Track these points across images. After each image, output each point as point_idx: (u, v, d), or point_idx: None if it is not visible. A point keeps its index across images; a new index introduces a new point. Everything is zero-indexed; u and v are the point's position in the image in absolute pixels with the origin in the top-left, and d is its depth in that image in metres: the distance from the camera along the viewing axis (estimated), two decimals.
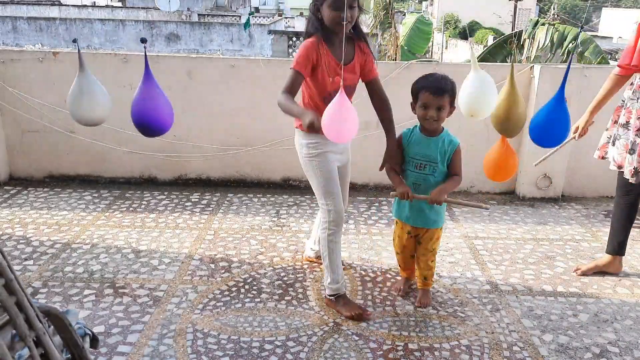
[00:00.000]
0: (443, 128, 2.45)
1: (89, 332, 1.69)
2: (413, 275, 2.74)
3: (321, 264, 2.76)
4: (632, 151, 2.64)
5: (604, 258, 2.95)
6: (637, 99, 2.65)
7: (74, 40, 2.09)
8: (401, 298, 2.69)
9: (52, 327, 1.46)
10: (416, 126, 2.48)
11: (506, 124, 2.29)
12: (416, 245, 2.61)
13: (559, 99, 2.18)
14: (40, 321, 1.32)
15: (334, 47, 2.37)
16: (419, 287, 2.67)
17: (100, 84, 2.01)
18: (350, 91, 2.44)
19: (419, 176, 2.45)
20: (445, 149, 2.42)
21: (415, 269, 2.70)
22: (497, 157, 2.47)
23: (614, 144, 2.76)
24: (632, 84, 2.68)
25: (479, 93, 2.21)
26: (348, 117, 2.06)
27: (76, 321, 1.63)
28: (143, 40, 1.92)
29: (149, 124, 2.05)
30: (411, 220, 2.54)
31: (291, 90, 2.28)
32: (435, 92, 2.30)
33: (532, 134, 2.35)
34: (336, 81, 2.35)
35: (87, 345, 1.65)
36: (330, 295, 2.54)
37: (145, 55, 1.99)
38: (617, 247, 2.89)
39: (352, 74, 2.44)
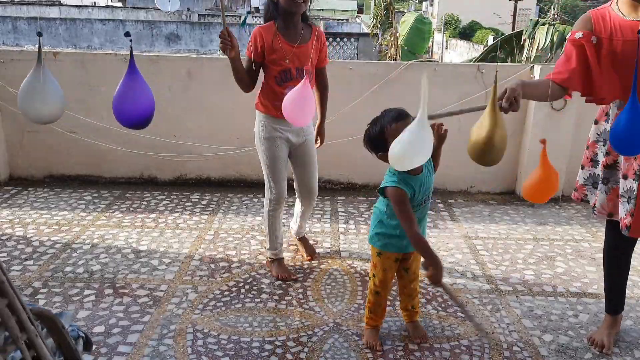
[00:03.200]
0: None
1: (83, 335, 1.68)
2: (384, 317, 2.39)
3: (306, 252, 3.09)
4: (626, 198, 2.14)
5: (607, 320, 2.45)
6: None
7: (39, 34, 2.05)
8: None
9: (45, 329, 1.45)
10: (396, 174, 2.15)
11: (488, 154, 1.88)
12: (402, 274, 2.34)
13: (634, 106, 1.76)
14: (33, 323, 1.30)
15: (288, 31, 2.57)
16: (412, 319, 2.40)
17: (55, 81, 1.94)
18: (302, 74, 2.58)
19: (423, 210, 2.22)
20: (429, 167, 2.24)
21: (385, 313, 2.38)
22: (540, 178, 2.01)
23: (596, 187, 2.28)
24: (607, 114, 2.21)
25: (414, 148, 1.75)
26: (307, 100, 2.20)
27: (70, 323, 1.62)
28: (127, 34, 1.89)
29: (127, 116, 1.94)
30: (409, 246, 2.19)
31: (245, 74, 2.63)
32: (400, 116, 2.09)
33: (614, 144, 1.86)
34: (287, 65, 2.57)
35: (80, 347, 1.64)
36: (269, 258, 2.92)
37: (131, 50, 1.94)
38: (621, 303, 2.43)
39: (304, 56, 2.59)
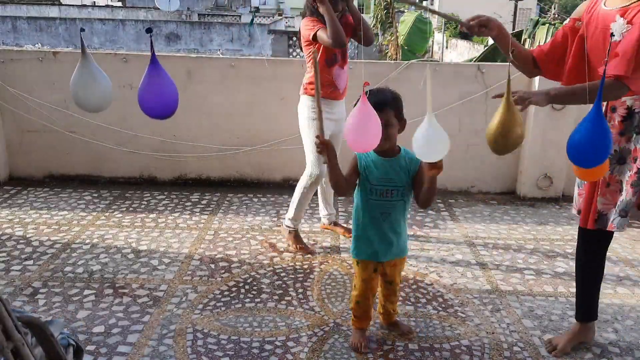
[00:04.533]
0: (400, 148, 2.17)
1: (73, 343, 1.66)
2: (370, 321, 2.37)
3: (342, 231, 3.41)
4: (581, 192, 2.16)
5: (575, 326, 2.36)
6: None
7: (82, 30, 2.11)
8: (401, 300, 2.68)
9: (33, 337, 1.43)
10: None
11: (503, 144, 1.76)
12: (384, 284, 2.31)
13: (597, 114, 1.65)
14: (20, 331, 1.28)
15: (334, 6, 2.85)
16: (390, 321, 2.39)
17: (101, 70, 2.05)
18: (344, 56, 3.11)
19: (386, 205, 2.15)
20: (409, 168, 2.13)
21: (372, 312, 2.35)
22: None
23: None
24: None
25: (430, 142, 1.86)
26: (371, 123, 1.94)
27: (60, 331, 1.59)
28: (149, 30, 1.97)
29: (153, 106, 2.07)
30: (381, 254, 2.20)
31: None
32: (374, 107, 1.91)
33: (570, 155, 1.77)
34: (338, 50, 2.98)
35: (70, 356, 1.61)
36: (287, 227, 3.17)
37: (152, 43, 2.03)
38: (588, 311, 2.32)
39: (347, 25, 3.00)
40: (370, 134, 2.01)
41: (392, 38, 13.38)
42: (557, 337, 2.35)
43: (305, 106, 3.07)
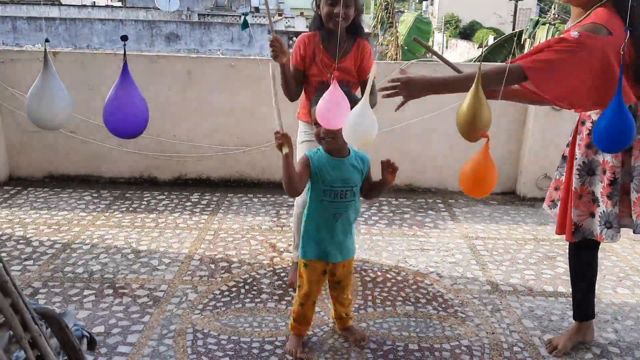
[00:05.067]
0: (349, 148, 2.15)
1: (87, 334, 1.68)
2: (309, 326, 2.33)
3: None
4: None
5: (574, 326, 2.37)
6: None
7: (46, 40, 2.03)
8: (401, 300, 2.68)
9: (49, 329, 1.45)
10: (318, 149, 2.14)
11: (469, 127, 1.77)
12: (333, 285, 2.27)
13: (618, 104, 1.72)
14: (36, 323, 1.30)
15: (331, 42, 2.48)
16: (344, 326, 2.34)
17: (62, 86, 1.90)
18: (342, 86, 2.45)
19: (340, 206, 2.11)
20: (362, 168, 2.15)
21: (310, 323, 2.33)
22: (478, 169, 1.85)
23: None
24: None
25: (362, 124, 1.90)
26: (339, 105, 2.04)
27: (73, 323, 1.62)
28: (124, 38, 1.85)
29: (117, 127, 1.88)
30: (331, 255, 2.16)
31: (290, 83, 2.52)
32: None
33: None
34: (330, 77, 2.38)
35: (84, 347, 1.64)
36: (296, 259, 2.67)
37: (125, 53, 1.91)
38: (586, 311, 2.33)
39: (343, 71, 2.47)
40: (340, 113, 2.06)
41: (392, 38, 13.38)
42: (557, 337, 2.35)
43: (297, 131, 2.74)
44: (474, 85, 1.71)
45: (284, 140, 1.97)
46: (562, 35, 1.88)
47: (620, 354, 2.30)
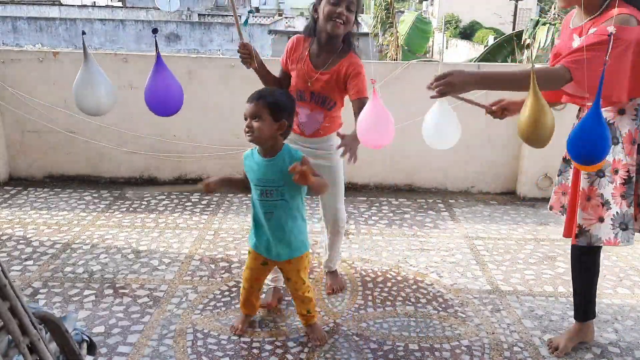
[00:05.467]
0: (282, 146, 2.14)
1: (87, 339, 1.67)
2: (255, 311, 2.43)
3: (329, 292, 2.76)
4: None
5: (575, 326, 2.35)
6: None
7: (83, 33, 2.17)
8: (401, 300, 2.68)
9: (48, 333, 1.44)
10: (255, 148, 2.19)
11: (534, 135, 1.79)
12: (285, 281, 2.35)
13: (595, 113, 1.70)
14: (35, 327, 1.29)
15: (320, 51, 2.36)
16: (308, 323, 2.35)
17: (104, 74, 2.07)
18: (319, 100, 2.39)
19: (268, 205, 2.14)
20: (281, 167, 2.10)
21: (257, 304, 2.42)
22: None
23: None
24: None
25: (442, 126, 1.97)
26: (381, 122, 2.03)
27: (73, 327, 1.60)
28: (155, 31, 2.01)
29: (159, 103, 2.17)
30: (273, 252, 2.21)
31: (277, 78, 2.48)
32: (250, 99, 2.08)
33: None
34: (307, 86, 2.37)
35: (84, 351, 1.62)
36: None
37: (156, 43, 2.08)
38: (586, 311, 2.32)
39: (322, 82, 2.35)
40: (382, 129, 2.07)
41: (392, 38, 13.37)
42: (557, 337, 2.35)
43: None
44: (531, 90, 1.68)
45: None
46: (595, 33, 1.83)
47: (620, 354, 2.30)
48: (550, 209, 2.29)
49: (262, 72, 2.39)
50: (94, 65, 2.05)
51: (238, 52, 2.30)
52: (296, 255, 2.23)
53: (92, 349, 1.71)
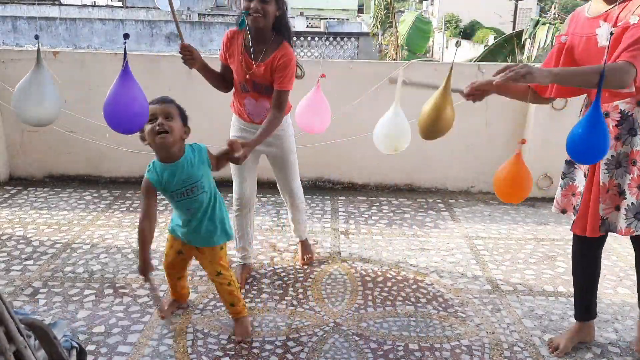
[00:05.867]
0: (184, 145, 2.21)
1: (76, 345, 1.66)
2: (184, 299, 2.54)
3: (303, 263, 3.02)
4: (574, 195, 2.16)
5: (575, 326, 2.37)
6: None
7: (36, 37, 2.09)
8: (401, 300, 2.68)
9: (36, 340, 1.42)
10: (153, 162, 2.19)
11: (432, 128, 2.00)
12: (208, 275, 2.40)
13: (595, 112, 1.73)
14: (22, 334, 1.27)
15: (255, 42, 2.41)
16: (235, 317, 2.38)
17: (52, 83, 1.93)
18: (261, 89, 2.49)
19: (190, 202, 2.18)
20: (200, 158, 2.22)
21: (185, 292, 2.53)
22: (512, 175, 2.00)
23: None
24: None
25: (397, 130, 2.16)
26: (320, 106, 2.48)
27: (63, 333, 1.59)
28: (126, 36, 1.89)
29: (115, 121, 1.93)
30: (188, 236, 2.26)
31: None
32: (160, 101, 2.11)
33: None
34: (247, 77, 2.46)
35: (73, 358, 1.61)
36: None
37: (125, 50, 1.94)
38: (587, 311, 2.33)
39: (261, 72, 2.43)
40: (322, 116, 2.50)
41: (392, 38, 13.37)
42: (557, 337, 2.35)
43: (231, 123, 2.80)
44: (443, 85, 1.76)
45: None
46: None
47: (620, 354, 2.30)
48: (564, 212, 2.24)
49: (204, 71, 2.51)
50: (43, 73, 1.90)
51: (179, 53, 2.36)
52: (212, 245, 2.28)
53: (82, 355, 1.69)
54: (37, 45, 1.89)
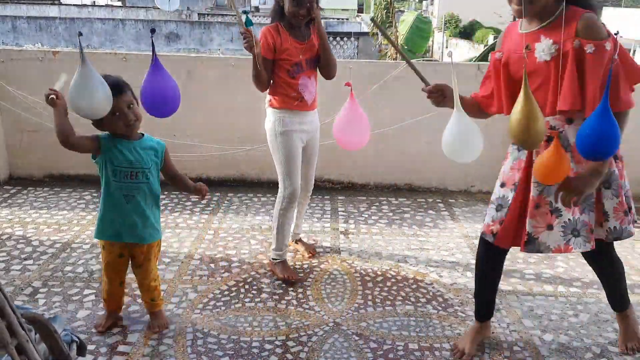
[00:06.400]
0: (142, 133, 2.25)
1: (76, 339, 1.67)
2: (120, 308, 2.43)
3: (303, 249, 3.12)
4: (495, 205, 2.13)
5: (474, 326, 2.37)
6: (518, 147, 2.10)
7: (80, 34, 2.18)
8: (401, 299, 2.68)
9: (37, 334, 1.43)
10: (108, 135, 2.20)
11: (525, 137, 1.81)
12: (134, 269, 2.34)
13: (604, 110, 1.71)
14: (23, 328, 1.28)
15: (293, 30, 2.65)
16: (152, 310, 2.39)
17: (100, 76, 2.06)
18: (311, 64, 2.71)
19: (131, 186, 2.17)
20: (155, 152, 2.23)
21: (121, 301, 2.42)
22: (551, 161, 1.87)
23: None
24: None
25: (462, 138, 1.99)
26: (357, 121, 2.49)
27: (63, 328, 1.60)
28: (153, 31, 2.09)
29: (157, 104, 2.20)
30: (125, 235, 2.21)
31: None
32: (116, 91, 2.08)
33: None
34: (300, 58, 2.65)
35: (73, 352, 1.62)
36: (273, 259, 2.87)
37: (153, 43, 2.14)
38: (488, 312, 2.36)
39: (311, 50, 2.69)
40: (362, 131, 2.51)
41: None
42: (458, 341, 2.31)
43: (268, 121, 2.79)
44: (522, 92, 1.71)
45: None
46: (597, 48, 1.81)
47: (620, 354, 2.30)
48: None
49: (261, 58, 2.55)
50: (91, 69, 2.04)
51: (242, 34, 2.46)
52: (149, 241, 2.27)
53: (81, 349, 1.70)
54: (78, 44, 2.03)
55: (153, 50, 2.16)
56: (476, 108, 2.22)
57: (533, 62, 1.90)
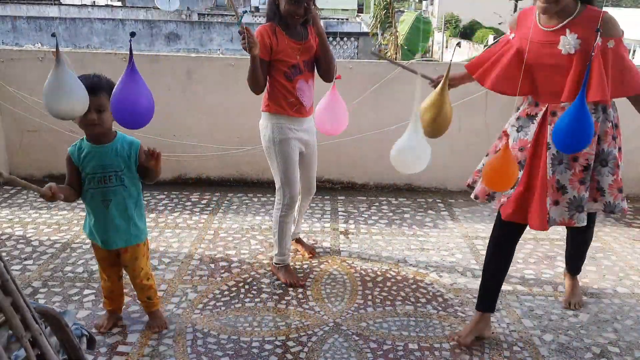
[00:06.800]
0: (116, 132, 2.20)
1: (86, 333, 1.69)
2: (120, 308, 2.44)
3: (303, 250, 3.12)
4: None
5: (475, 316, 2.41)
6: (518, 127, 2.24)
7: (53, 35, 2.11)
8: (401, 299, 2.68)
9: (48, 327, 1.45)
10: (81, 139, 2.18)
11: (432, 126, 2.06)
12: (124, 268, 2.34)
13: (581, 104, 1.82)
14: (37, 322, 1.31)
15: (290, 30, 2.58)
16: (150, 310, 2.39)
17: (76, 78, 1.99)
18: (309, 67, 2.66)
19: (106, 191, 2.15)
20: (128, 152, 2.18)
21: (123, 297, 2.43)
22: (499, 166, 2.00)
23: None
24: (518, 108, 2.29)
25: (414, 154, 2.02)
26: (339, 110, 2.50)
27: (73, 322, 1.62)
28: (132, 34, 1.92)
29: (126, 116, 1.99)
30: (110, 242, 2.20)
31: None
32: (89, 92, 1.96)
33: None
34: (298, 60, 2.59)
35: (83, 346, 1.64)
36: (276, 264, 2.85)
37: (131, 48, 1.97)
38: (491, 302, 2.40)
39: (309, 51, 2.64)
40: (339, 118, 2.54)
41: (392, 38, 13.38)
42: (458, 332, 2.39)
43: (263, 126, 2.75)
44: (440, 87, 1.95)
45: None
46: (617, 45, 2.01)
47: (620, 354, 2.30)
48: (478, 195, 2.43)
49: (258, 60, 2.48)
50: (66, 70, 1.97)
51: (240, 33, 2.36)
52: (134, 242, 2.25)
53: (91, 343, 1.73)
54: (55, 43, 1.96)
55: (130, 57, 1.94)
56: (469, 79, 2.42)
57: (557, 54, 2.04)
